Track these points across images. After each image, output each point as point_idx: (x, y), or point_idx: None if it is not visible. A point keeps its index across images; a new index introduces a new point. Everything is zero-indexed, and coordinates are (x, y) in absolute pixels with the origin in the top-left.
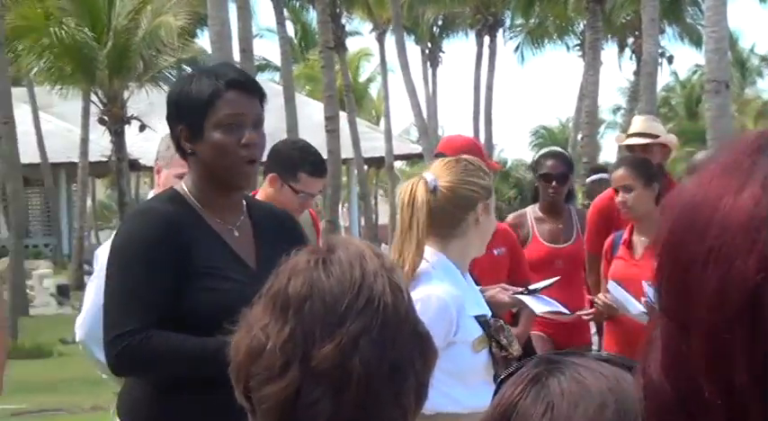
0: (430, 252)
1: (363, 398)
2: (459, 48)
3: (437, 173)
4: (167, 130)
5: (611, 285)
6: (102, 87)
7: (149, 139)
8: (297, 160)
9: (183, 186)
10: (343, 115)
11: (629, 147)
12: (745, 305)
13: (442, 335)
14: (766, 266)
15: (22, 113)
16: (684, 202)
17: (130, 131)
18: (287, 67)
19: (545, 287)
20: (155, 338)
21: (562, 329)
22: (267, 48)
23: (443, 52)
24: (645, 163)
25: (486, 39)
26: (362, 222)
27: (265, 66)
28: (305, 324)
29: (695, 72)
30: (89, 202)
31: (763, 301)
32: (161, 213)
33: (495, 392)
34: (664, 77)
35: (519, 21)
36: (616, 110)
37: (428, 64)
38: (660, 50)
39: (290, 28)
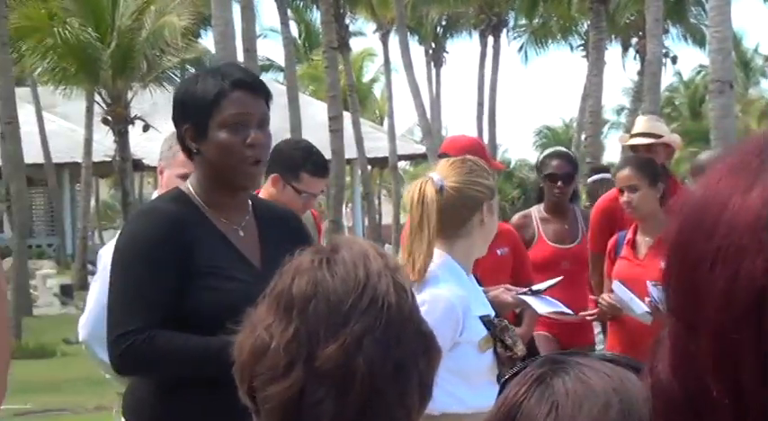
0: (436, 253)
1: (367, 397)
2: (463, 48)
3: (443, 173)
4: (171, 130)
5: (616, 285)
6: (106, 87)
7: (153, 139)
8: (299, 160)
9: (189, 186)
10: (346, 115)
11: (633, 148)
12: (752, 305)
13: (449, 336)
14: None
15: (25, 113)
16: (692, 202)
17: (134, 131)
18: (290, 67)
19: (548, 287)
20: (158, 338)
21: (566, 329)
22: (271, 48)
23: (447, 52)
24: (650, 163)
25: (490, 39)
26: (366, 222)
27: (269, 66)
28: (309, 324)
29: (699, 72)
30: (92, 202)
31: None
32: (165, 213)
33: (500, 392)
34: (667, 77)
35: (523, 21)
36: (620, 110)
37: (432, 64)
38: (664, 51)
39: (293, 28)
